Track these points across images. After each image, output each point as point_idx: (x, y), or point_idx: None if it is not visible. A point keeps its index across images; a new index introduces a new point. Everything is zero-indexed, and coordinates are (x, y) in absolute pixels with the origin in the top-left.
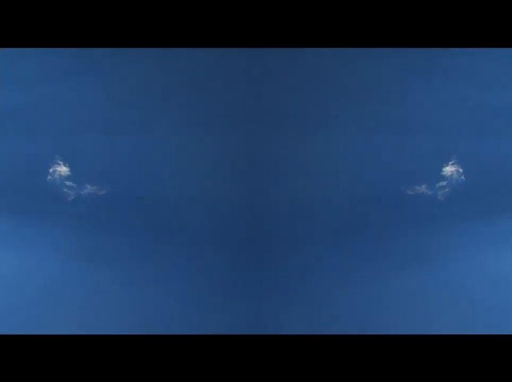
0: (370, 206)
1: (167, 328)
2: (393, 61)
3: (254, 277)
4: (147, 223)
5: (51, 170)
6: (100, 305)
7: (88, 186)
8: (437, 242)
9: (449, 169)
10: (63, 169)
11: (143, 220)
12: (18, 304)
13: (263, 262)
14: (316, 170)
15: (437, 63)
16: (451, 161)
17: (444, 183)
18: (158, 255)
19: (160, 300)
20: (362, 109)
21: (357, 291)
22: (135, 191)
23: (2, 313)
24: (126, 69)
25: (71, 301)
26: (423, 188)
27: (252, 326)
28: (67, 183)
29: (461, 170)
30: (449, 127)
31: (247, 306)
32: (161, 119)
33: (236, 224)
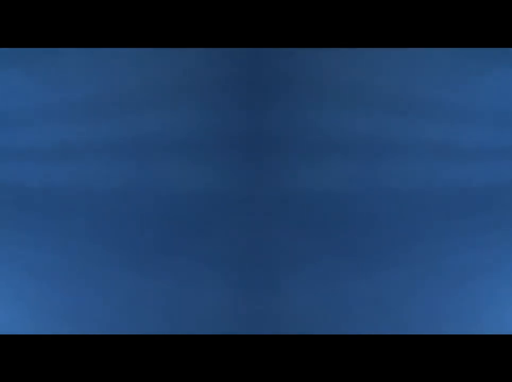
0: None
1: (166, 327)
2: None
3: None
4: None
5: None
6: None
7: None
8: None
9: None
10: None
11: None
12: None
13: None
14: None
15: None
16: None
17: None
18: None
19: (159, 299)
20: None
21: (358, 290)
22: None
23: None
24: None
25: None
26: None
27: (251, 325)
28: None
29: None
30: None
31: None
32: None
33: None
